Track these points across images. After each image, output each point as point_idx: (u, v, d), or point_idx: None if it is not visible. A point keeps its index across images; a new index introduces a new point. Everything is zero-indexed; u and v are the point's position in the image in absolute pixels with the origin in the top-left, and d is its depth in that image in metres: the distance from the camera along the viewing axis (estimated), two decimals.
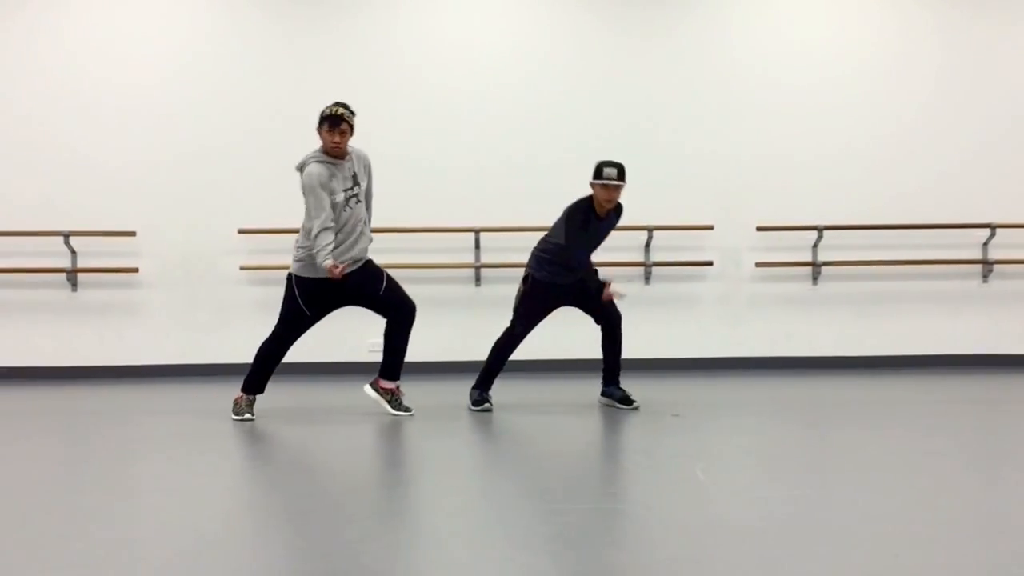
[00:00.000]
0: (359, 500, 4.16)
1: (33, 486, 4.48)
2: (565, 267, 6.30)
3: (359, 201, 5.97)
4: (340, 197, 5.85)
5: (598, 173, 6.21)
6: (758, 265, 8.60)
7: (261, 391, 6.22)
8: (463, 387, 6.61)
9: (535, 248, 6.54)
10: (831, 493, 4.18)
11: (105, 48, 8.46)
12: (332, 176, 5.83)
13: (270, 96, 8.39)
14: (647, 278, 8.60)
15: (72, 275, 8.39)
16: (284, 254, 8.24)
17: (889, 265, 8.58)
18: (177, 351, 8.44)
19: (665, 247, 8.57)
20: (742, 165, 8.64)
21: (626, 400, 6.42)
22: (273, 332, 6.12)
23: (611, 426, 5.81)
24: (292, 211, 8.34)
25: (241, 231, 8.26)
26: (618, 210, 6.46)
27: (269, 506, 4.15)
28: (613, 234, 8.44)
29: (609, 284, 6.38)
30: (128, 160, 8.41)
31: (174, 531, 3.65)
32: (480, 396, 6.45)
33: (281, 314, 6.09)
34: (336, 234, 5.82)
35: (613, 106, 8.61)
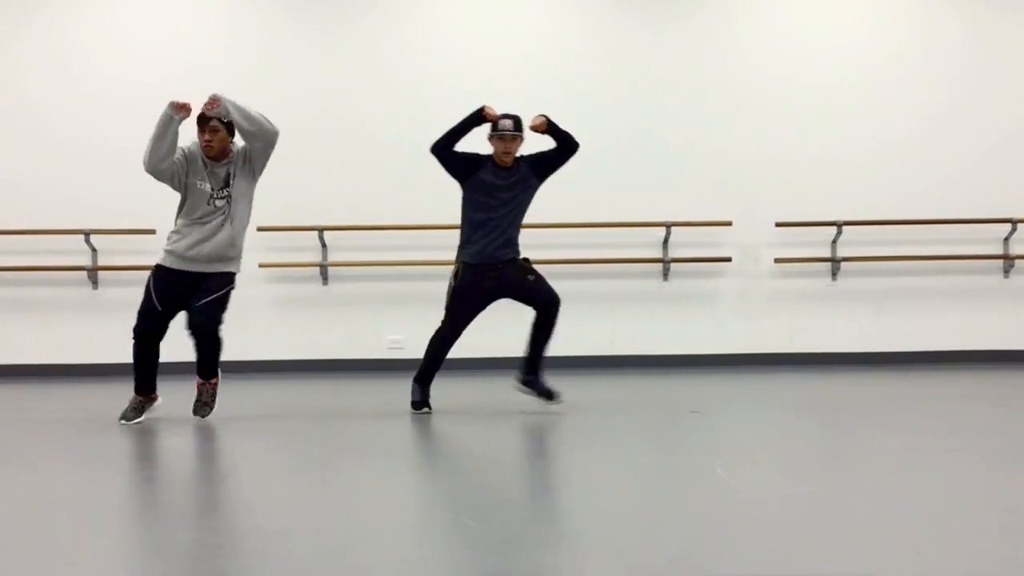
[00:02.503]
0: (378, 496, 4.17)
1: (51, 483, 4.51)
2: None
3: (230, 202, 5.80)
4: (206, 186, 5.75)
5: (493, 124, 5.98)
6: (777, 261, 8.57)
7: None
8: (481, 385, 6.60)
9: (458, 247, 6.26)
10: (851, 490, 4.16)
11: (126, 47, 8.51)
12: (199, 160, 5.76)
13: (288, 95, 8.42)
14: (665, 274, 8.58)
15: (93, 273, 8.44)
16: (302, 251, 8.32)
17: (909, 261, 8.54)
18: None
19: (684, 243, 8.55)
20: (761, 161, 8.62)
21: (550, 394, 6.06)
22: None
23: (628, 422, 5.80)
24: (310, 209, 8.40)
25: (260, 228, 8.28)
26: (533, 161, 6.11)
27: (280, 500, 4.16)
28: (632, 230, 8.46)
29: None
30: None
31: (188, 530, 3.67)
32: (421, 396, 6.18)
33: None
34: (192, 228, 5.76)
35: (632, 104, 8.60)
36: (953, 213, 8.54)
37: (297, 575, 2.98)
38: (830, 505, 3.86)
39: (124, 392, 6.61)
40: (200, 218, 5.77)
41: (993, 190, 8.62)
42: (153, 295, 5.83)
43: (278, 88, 8.43)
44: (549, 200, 8.36)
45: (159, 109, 8.36)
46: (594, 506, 3.92)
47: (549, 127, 6.04)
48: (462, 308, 6.10)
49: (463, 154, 6.03)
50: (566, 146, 6.10)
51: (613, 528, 3.59)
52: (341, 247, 8.51)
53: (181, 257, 5.76)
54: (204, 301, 5.78)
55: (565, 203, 8.40)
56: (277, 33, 8.57)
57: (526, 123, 6.03)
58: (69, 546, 3.40)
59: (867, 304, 8.67)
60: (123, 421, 5.85)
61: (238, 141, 5.81)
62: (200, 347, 5.92)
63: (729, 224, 8.51)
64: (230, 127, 5.73)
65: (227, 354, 8.37)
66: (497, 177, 6.01)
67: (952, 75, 8.70)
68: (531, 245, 8.40)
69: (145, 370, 5.97)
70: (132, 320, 8.49)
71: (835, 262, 8.60)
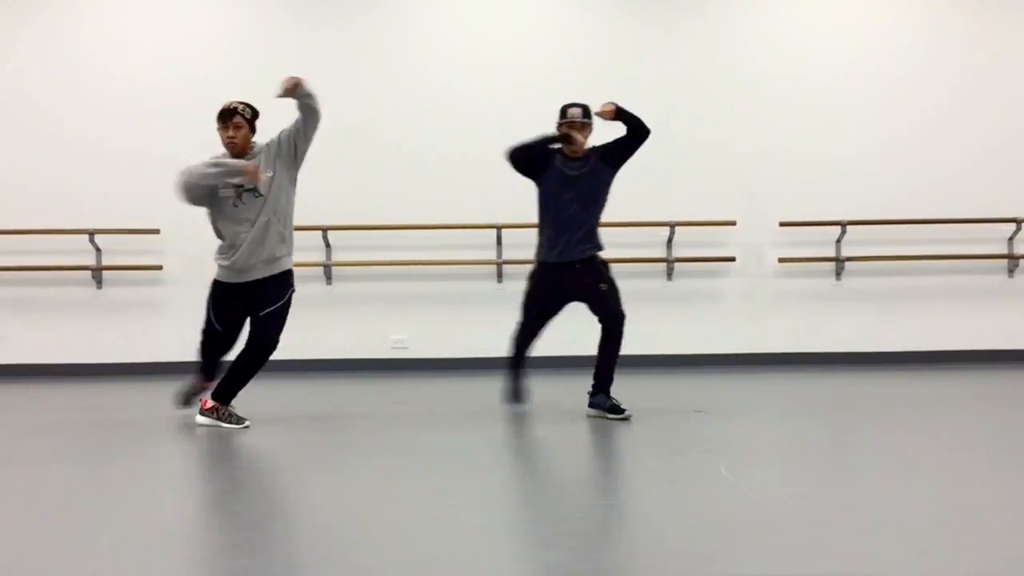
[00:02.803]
0: (382, 497, 4.17)
1: (55, 483, 4.51)
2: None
3: (256, 196, 5.61)
4: (228, 191, 5.60)
5: (561, 113, 5.89)
6: (781, 261, 8.57)
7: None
8: (485, 384, 6.61)
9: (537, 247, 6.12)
10: (856, 489, 4.16)
11: (129, 47, 8.53)
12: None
13: None
14: (669, 274, 8.58)
15: (97, 272, 8.45)
16: (307, 251, 8.31)
17: (913, 260, 8.53)
18: None
19: (688, 243, 8.54)
20: (765, 161, 8.61)
21: (616, 409, 5.84)
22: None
23: (634, 422, 5.80)
24: (313, 209, 8.40)
25: None
26: (603, 151, 5.94)
27: (285, 501, 4.16)
28: (635, 230, 8.46)
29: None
30: (152, 158, 8.46)
31: (201, 527, 3.67)
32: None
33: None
34: (235, 245, 5.65)
35: (635, 102, 8.54)
36: (957, 213, 8.53)
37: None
38: (835, 505, 3.85)
39: (128, 391, 6.65)
40: (238, 223, 5.62)
41: (998, 189, 8.60)
42: (213, 317, 5.78)
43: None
44: None
45: (164, 109, 8.45)
46: (596, 505, 3.92)
47: (619, 113, 5.86)
48: (537, 309, 6.01)
49: (534, 152, 5.88)
50: (637, 132, 5.90)
51: (615, 528, 3.59)
52: (345, 247, 8.52)
53: (238, 270, 5.65)
54: (268, 311, 5.70)
55: None
56: (282, 34, 8.58)
57: (594, 110, 5.88)
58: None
59: (871, 304, 8.66)
60: (181, 406, 5.89)
61: (258, 138, 5.71)
62: (249, 355, 5.76)
63: (733, 224, 8.50)
64: (252, 123, 5.66)
65: (232, 353, 8.43)
66: (569, 169, 5.85)
67: (956, 74, 8.69)
68: (534, 245, 8.44)
69: (208, 360, 5.95)
70: (135, 319, 8.58)
71: (839, 262, 8.59)
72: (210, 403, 5.77)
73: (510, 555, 3.23)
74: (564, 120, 5.87)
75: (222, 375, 5.85)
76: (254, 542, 3.45)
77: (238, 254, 5.60)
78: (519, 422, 5.86)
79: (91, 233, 8.33)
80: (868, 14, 8.71)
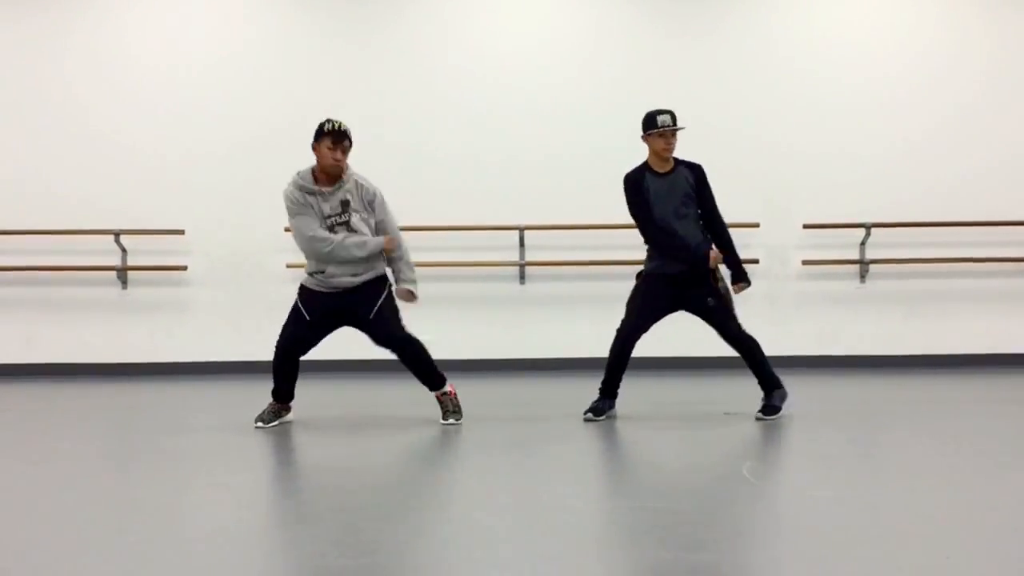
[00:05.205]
0: (407, 498, 4.18)
1: (81, 481, 4.55)
2: (664, 252, 5.81)
3: (349, 229, 5.62)
4: (324, 223, 5.60)
5: (651, 122, 5.82)
6: (805, 263, 8.53)
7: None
8: (507, 386, 6.61)
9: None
10: (880, 493, 4.13)
11: (156, 49, 8.58)
12: (306, 197, 5.60)
13: (317, 95, 8.45)
14: None
15: (122, 273, 8.51)
16: None
17: (939, 263, 8.47)
18: (225, 349, 8.53)
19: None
20: (788, 162, 8.57)
21: (769, 410, 5.91)
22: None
23: (657, 424, 5.79)
24: None
25: (288, 229, 8.29)
26: (693, 168, 5.95)
27: (313, 503, 4.18)
28: None
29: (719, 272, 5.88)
30: (177, 159, 8.52)
31: (222, 525, 3.69)
32: (599, 404, 5.95)
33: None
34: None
35: (657, 103, 8.55)
36: (983, 215, 8.46)
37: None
38: (859, 509, 3.83)
39: (155, 391, 6.67)
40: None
41: None
42: (303, 308, 5.72)
43: (308, 88, 8.47)
44: (573, 202, 8.42)
45: (189, 110, 8.50)
46: (619, 506, 3.92)
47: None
48: (640, 312, 5.94)
49: (638, 192, 5.86)
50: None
51: (637, 529, 3.58)
52: None
53: (327, 285, 5.68)
54: (372, 315, 5.73)
55: (590, 205, 8.41)
56: (307, 38, 8.60)
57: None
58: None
59: (896, 306, 8.60)
60: (259, 424, 5.78)
61: (354, 170, 5.73)
62: (403, 359, 5.85)
63: (757, 226, 8.47)
64: (351, 145, 5.68)
65: (257, 354, 8.45)
66: (659, 185, 5.85)
67: (981, 74, 8.61)
68: (555, 247, 8.46)
69: (284, 382, 5.87)
70: (160, 320, 8.64)
71: (864, 264, 8.54)
72: (439, 392, 5.92)
73: (533, 556, 3.23)
74: (655, 129, 5.81)
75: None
76: (300, 539, 3.46)
77: (330, 269, 5.66)
78: (533, 424, 5.85)
79: (116, 234, 8.39)
80: (892, 14, 8.65)
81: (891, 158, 8.57)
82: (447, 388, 5.94)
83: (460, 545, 3.40)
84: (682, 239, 5.81)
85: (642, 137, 5.92)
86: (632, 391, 6.23)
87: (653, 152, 5.87)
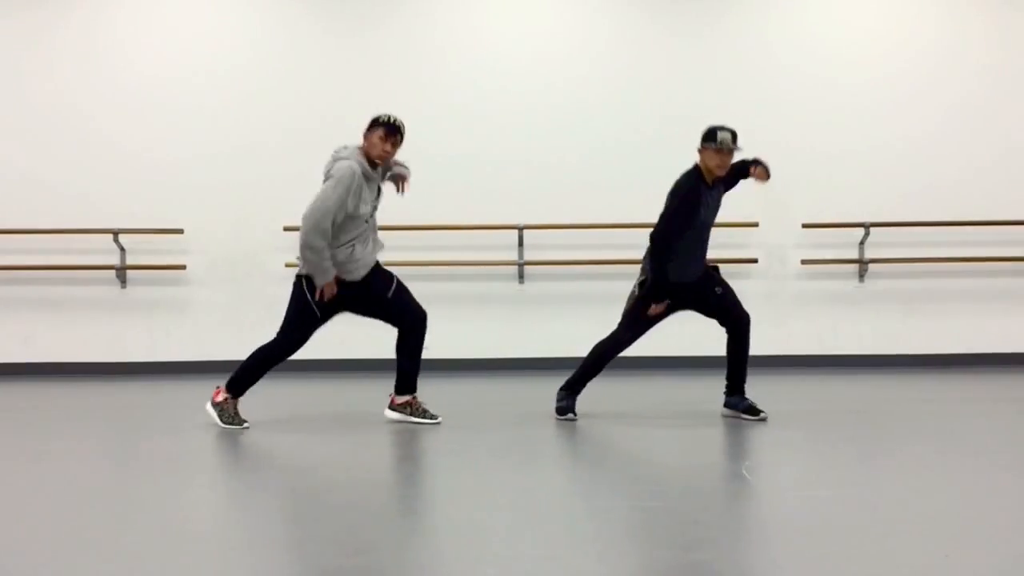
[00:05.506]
0: (404, 497, 4.18)
1: (79, 481, 4.55)
2: (655, 266, 5.75)
3: (375, 211, 5.72)
4: (367, 208, 5.60)
5: (711, 136, 5.80)
6: (804, 262, 8.52)
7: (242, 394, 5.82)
8: (505, 385, 6.61)
9: (647, 251, 5.94)
10: (879, 492, 4.13)
11: (154, 47, 8.57)
12: (364, 181, 5.55)
13: (316, 95, 8.45)
14: None
15: (121, 272, 8.50)
16: None
17: (938, 262, 8.46)
18: (224, 348, 8.50)
19: (709, 244, 8.49)
20: (787, 161, 8.53)
21: (752, 410, 5.88)
22: (276, 338, 5.76)
23: (656, 424, 5.79)
24: None
25: (287, 228, 8.31)
26: (725, 182, 6.02)
27: (311, 502, 4.18)
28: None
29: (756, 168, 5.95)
30: (176, 158, 8.51)
31: (220, 526, 3.69)
32: (568, 403, 5.94)
33: (287, 317, 5.74)
34: (355, 245, 5.57)
35: (656, 103, 8.57)
36: (982, 214, 8.46)
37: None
38: (858, 508, 3.83)
39: (154, 390, 6.66)
40: (353, 238, 5.60)
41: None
42: (314, 305, 5.60)
43: (308, 88, 8.46)
44: (574, 201, 8.42)
45: (188, 109, 8.50)
46: (617, 506, 3.92)
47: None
48: (639, 329, 5.94)
49: (694, 204, 5.78)
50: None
51: (635, 528, 3.58)
52: None
53: (366, 264, 5.66)
54: (391, 292, 5.77)
55: (589, 204, 8.41)
56: (306, 36, 8.59)
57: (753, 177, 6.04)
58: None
59: (896, 306, 8.60)
60: (226, 424, 5.69)
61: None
62: (417, 338, 5.82)
63: (755, 225, 8.46)
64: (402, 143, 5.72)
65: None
66: (708, 197, 5.86)
67: (980, 73, 8.60)
68: (555, 246, 8.45)
69: (254, 383, 5.80)
70: (159, 319, 8.62)
71: (863, 263, 8.54)
72: (403, 399, 5.86)
73: (529, 556, 3.23)
74: (716, 145, 5.80)
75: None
76: (293, 539, 3.46)
77: (356, 264, 5.65)
78: (530, 424, 5.85)
79: (115, 233, 8.39)
80: (891, 14, 8.65)
81: (890, 157, 8.57)
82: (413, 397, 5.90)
83: (458, 545, 3.40)
84: (666, 275, 5.78)
85: (698, 149, 5.90)
86: (631, 390, 6.24)
87: (706, 168, 5.85)
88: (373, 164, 5.65)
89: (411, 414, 5.85)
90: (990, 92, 8.60)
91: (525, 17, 8.65)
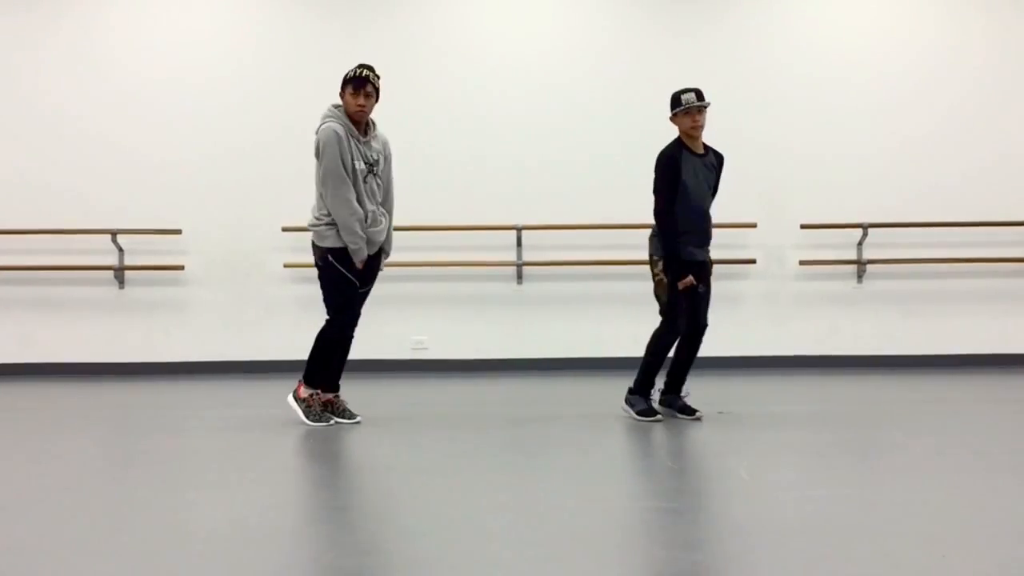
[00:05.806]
0: (405, 497, 4.18)
1: (78, 481, 4.54)
2: (664, 236, 5.69)
3: (378, 181, 5.64)
4: (361, 164, 5.50)
5: (676, 102, 5.73)
6: (802, 263, 8.53)
7: (335, 388, 5.82)
8: (504, 385, 6.60)
9: (652, 231, 5.89)
10: (877, 493, 4.13)
11: (152, 48, 8.58)
12: (350, 138, 5.48)
13: (315, 96, 8.41)
14: None
15: (119, 272, 8.50)
16: None
17: (936, 263, 8.48)
18: (222, 348, 8.53)
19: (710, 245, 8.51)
20: (786, 162, 8.58)
21: (687, 410, 5.94)
22: (327, 322, 5.72)
23: (654, 424, 5.79)
24: None
25: (285, 229, 8.33)
26: (718, 156, 5.97)
27: (311, 502, 4.18)
28: None
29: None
30: (174, 159, 8.52)
31: (220, 525, 3.69)
32: (647, 405, 5.90)
33: (327, 300, 5.68)
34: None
35: (655, 104, 8.53)
36: (981, 215, 8.48)
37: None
38: (855, 508, 3.83)
39: (152, 390, 6.63)
40: (360, 203, 5.54)
41: (1022, 191, 8.54)
42: (349, 273, 5.56)
43: (305, 89, 8.46)
44: (573, 201, 8.42)
45: (186, 110, 8.50)
46: (616, 506, 3.92)
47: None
48: (684, 299, 5.85)
49: (675, 169, 5.71)
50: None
51: (635, 528, 3.58)
52: None
53: (371, 238, 5.62)
54: (381, 266, 5.85)
55: (588, 205, 8.42)
56: (303, 35, 8.60)
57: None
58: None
59: (893, 306, 8.62)
60: (313, 422, 5.66)
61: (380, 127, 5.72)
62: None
63: (754, 226, 8.48)
64: (378, 93, 5.59)
65: (253, 354, 8.47)
66: (692, 164, 5.76)
67: (979, 75, 8.63)
68: (553, 246, 8.45)
69: (335, 367, 5.77)
70: (157, 319, 8.62)
71: (861, 264, 8.55)
72: (305, 392, 5.73)
73: (533, 557, 3.23)
74: (681, 108, 5.73)
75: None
76: (299, 537, 3.46)
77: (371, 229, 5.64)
78: (527, 424, 5.85)
79: (113, 233, 8.39)
80: (891, 14, 8.66)
81: (888, 158, 8.58)
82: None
83: (459, 545, 3.40)
84: (677, 243, 5.74)
85: (670, 119, 5.86)
86: (612, 390, 6.24)
87: (683, 132, 5.82)
88: (356, 123, 5.57)
89: (306, 412, 5.72)
90: (990, 93, 8.62)
91: (525, 18, 8.66)
